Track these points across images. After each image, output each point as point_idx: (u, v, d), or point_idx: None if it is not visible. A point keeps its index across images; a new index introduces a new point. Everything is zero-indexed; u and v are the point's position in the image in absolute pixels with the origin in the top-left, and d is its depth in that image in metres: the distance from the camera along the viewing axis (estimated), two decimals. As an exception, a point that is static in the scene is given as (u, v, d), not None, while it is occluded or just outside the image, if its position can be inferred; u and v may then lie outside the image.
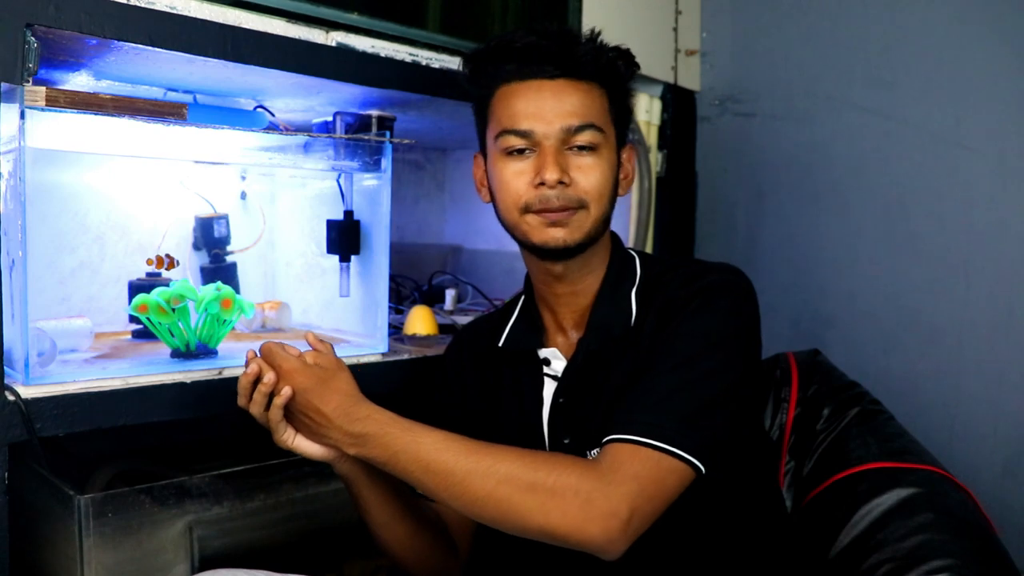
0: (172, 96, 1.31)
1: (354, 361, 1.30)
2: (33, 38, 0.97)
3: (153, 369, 1.13)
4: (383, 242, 1.37)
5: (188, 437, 1.46)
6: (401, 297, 1.90)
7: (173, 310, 1.17)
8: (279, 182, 1.62)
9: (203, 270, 1.51)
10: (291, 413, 0.97)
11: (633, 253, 1.12)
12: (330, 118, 1.45)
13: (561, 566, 1.01)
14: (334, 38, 1.25)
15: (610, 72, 1.04)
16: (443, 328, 1.58)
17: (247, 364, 0.96)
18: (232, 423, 1.46)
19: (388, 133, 1.43)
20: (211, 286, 1.22)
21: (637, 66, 1.08)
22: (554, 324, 1.10)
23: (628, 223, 1.81)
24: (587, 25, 1.45)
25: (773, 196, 1.88)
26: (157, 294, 1.17)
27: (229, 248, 1.53)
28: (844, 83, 1.74)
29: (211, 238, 1.50)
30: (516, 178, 1.01)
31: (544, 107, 1.00)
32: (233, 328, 1.26)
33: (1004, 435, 1.54)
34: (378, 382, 0.98)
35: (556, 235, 1.00)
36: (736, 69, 1.93)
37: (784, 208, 1.86)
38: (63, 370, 1.08)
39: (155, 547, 1.10)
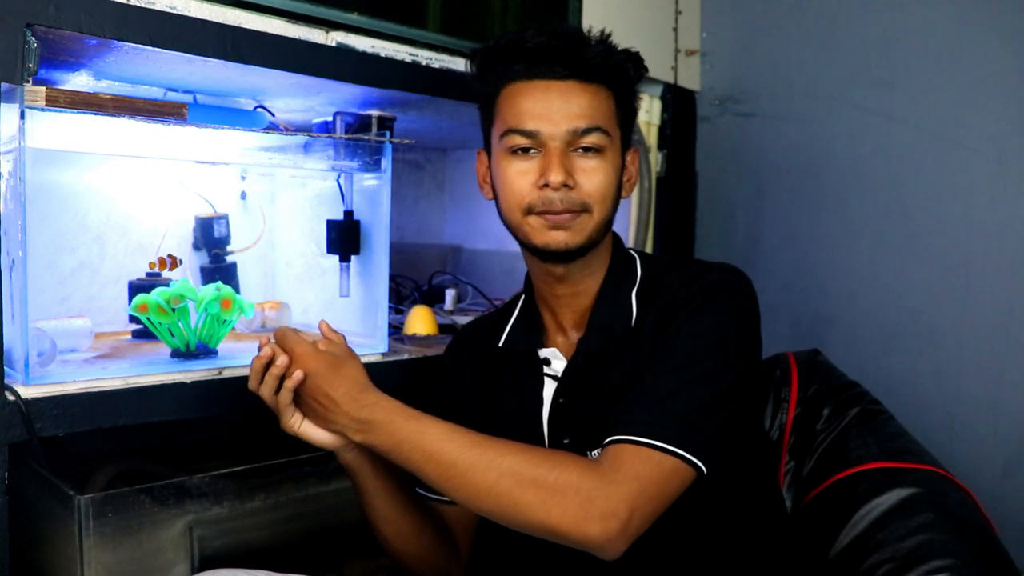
0: (172, 96, 1.31)
1: (354, 361, 1.30)
2: (33, 38, 0.97)
3: (153, 369, 1.13)
4: (383, 242, 1.37)
5: (188, 437, 1.47)
6: (401, 297, 1.90)
7: (173, 310, 1.17)
8: (279, 182, 1.62)
9: (203, 270, 1.51)
10: (300, 398, 0.97)
11: (634, 253, 1.12)
12: (330, 118, 1.45)
13: (562, 567, 1.01)
14: (334, 38, 1.25)
15: (619, 74, 1.03)
16: (443, 328, 1.58)
17: (260, 349, 0.97)
18: (232, 423, 1.47)
19: (388, 133, 1.43)
20: (211, 286, 1.22)
21: (645, 68, 1.07)
22: (554, 324, 1.10)
23: (628, 223, 1.81)
24: (587, 25, 1.45)
25: (773, 196, 1.88)
26: (157, 294, 1.17)
27: (229, 248, 1.53)
28: (844, 83, 1.74)
29: (211, 238, 1.50)
30: (520, 178, 1.01)
31: (551, 108, 0.99)
32: (233, 328, 1.27)
33: (1004, 435, 1.54)
34: (378, 382, 0.98)
35: (558, 238, 1.00)
36: (736, 69, 1.93)
37: (784, 208, 1.86)
38: (63, 370, 1.08)
39: (155, 547, 1.10)
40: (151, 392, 1.08)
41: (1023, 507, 1.51)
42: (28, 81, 0.98)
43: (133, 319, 1.35)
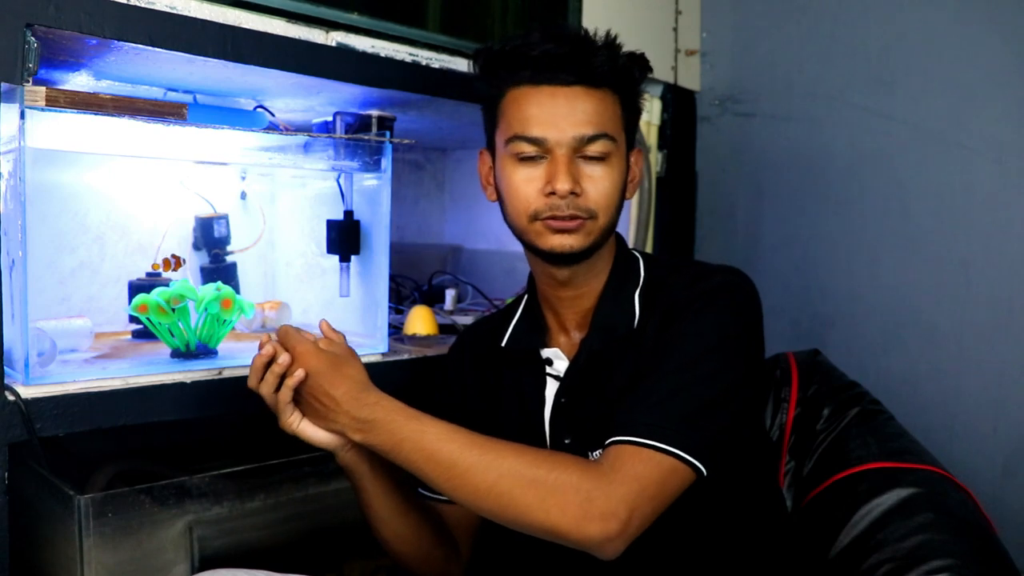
0: (172, 96, 1.31)
1: (354, 361, 1.30)
2: (33, 38, 0.97)
3: (153, 369, 1.13)
4: (383, 242, 1.37)
5: (188, 437, 1.47)
6: (401, 297, 1.90)
7: (173, 310, 1.17)
8: (279, 182, 1.62)
9: (203, 270, 1.51)
10: (300, 397, 0.97)
11: (637, 254, 1.11)
12: (330, 118, 1.45)
13: (562, 567, 1.01)
14: (334, 38, 1.25)
15: (624, 78, 1.03)
16: (443, 328, 1.58)
17: (261, 347, 0.97)
18: (232, 423, 1.47)
19: (388, 133, 1.43)
20: (211, 286, 1.22)
21: (650, 70, 1.07)
22: (557, 324, 1.10)
23: (628, 223, 1.81)
24: (587, 25, 1.45)
25: (773, 196, 1.88)
26: (157, 294, 1.17)
27: (229, 248, 1.53)
28: (844, 83, 1.74)
29: (211, 238, 1.50)
30: (526, 184, 1.00)
31: (558, 115, 0.98)
32: (233, 328, 1.26)
33: (1004, 435, 1.54)
34: (378, 382, 0.98)
35: (564, 242, 1.00)
36: (736, 69, 1.93)
37: (784, 208, 1.86)
38: (63, 370, 1.08)
39: (155, 547, 1.10)
40: (151, 392, 1.08)
41: (1023, 507, 1.51)
42: (28, 81, 0.98)
43: (133, 319, 1.35)
